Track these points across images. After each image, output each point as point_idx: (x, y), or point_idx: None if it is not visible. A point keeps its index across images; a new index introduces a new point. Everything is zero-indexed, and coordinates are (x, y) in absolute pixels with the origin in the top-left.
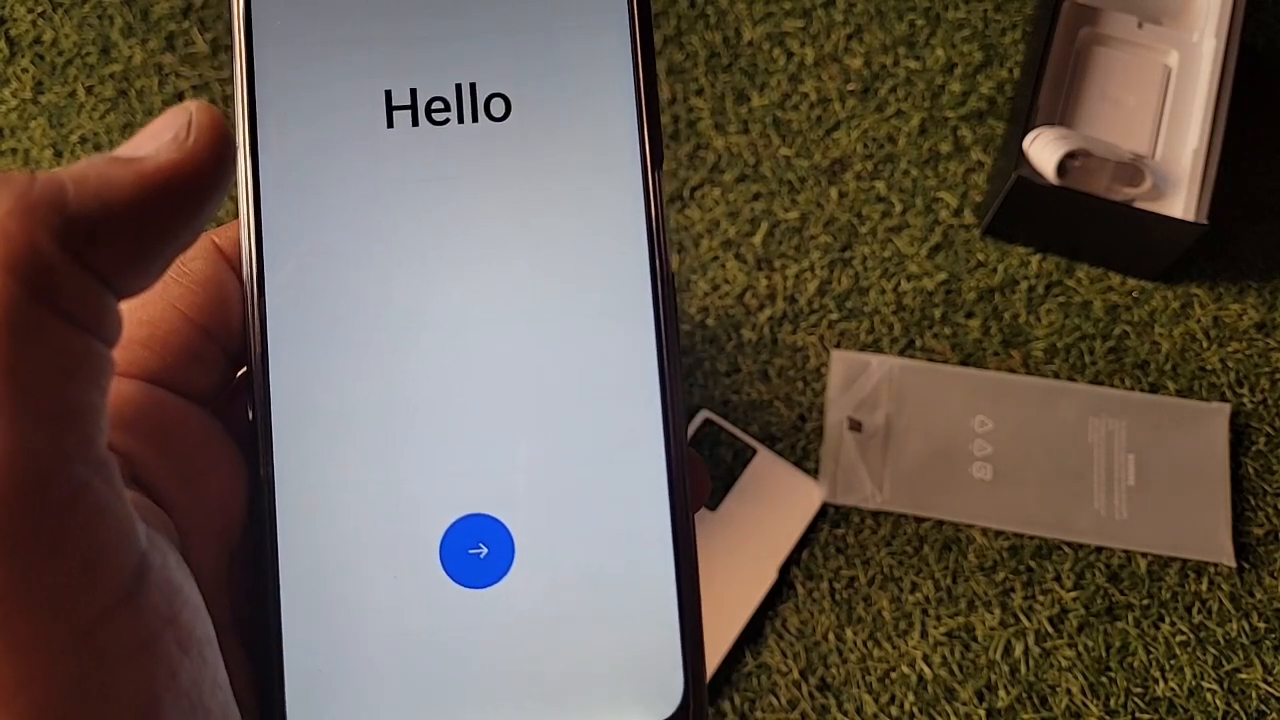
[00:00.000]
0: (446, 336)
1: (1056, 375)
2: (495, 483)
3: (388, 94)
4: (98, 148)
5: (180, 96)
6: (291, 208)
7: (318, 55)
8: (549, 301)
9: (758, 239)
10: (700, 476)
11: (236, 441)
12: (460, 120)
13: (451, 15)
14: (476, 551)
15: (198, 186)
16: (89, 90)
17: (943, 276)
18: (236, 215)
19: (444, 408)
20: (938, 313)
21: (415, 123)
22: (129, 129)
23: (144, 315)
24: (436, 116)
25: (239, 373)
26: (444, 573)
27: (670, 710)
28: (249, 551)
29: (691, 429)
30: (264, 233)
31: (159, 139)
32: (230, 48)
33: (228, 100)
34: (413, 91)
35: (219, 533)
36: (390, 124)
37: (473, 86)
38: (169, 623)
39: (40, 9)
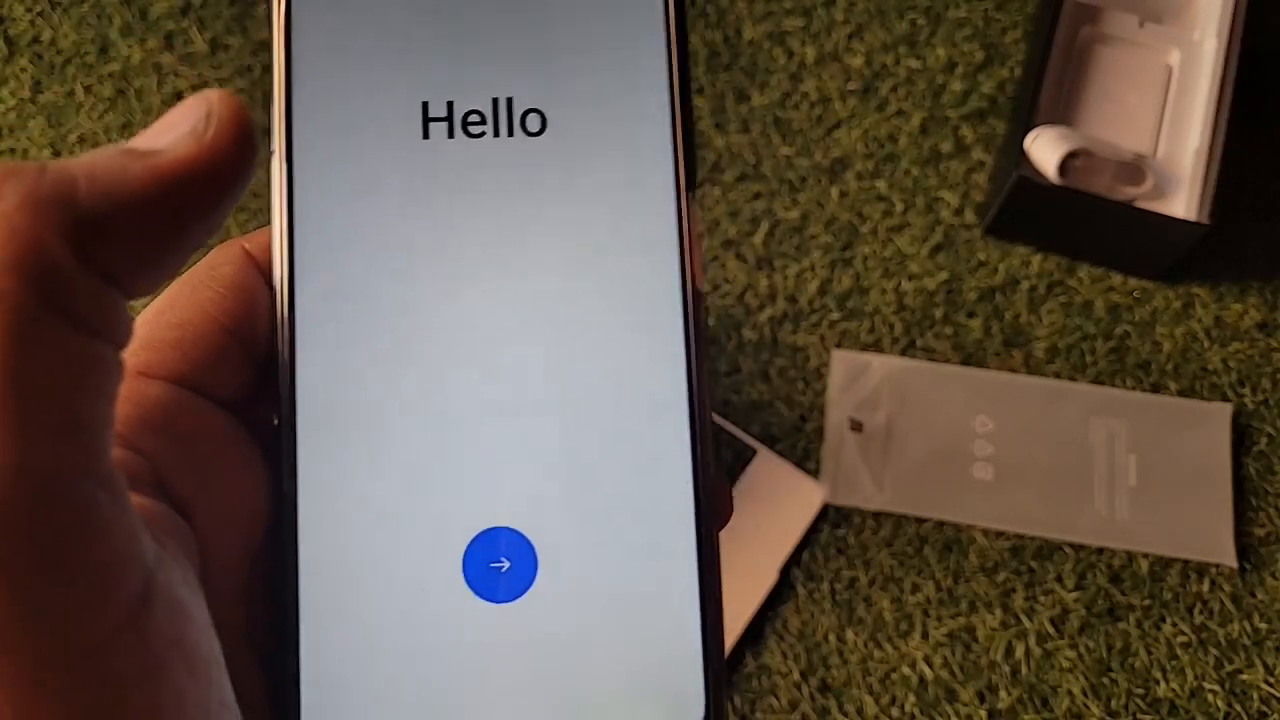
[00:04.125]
0: (474, 349)
1: (1058, 375)
2: (520, 496)
3: (424, 105)
4: (96, 147)
5: (179, 96)
6: (324, 215)
7: (356, 65)
8: (578, 316)
9: (758, 238)
10: (724, 497)
11: (260, 447)
12: (496, 134)
13: (490, 32)
14: (499, 565)
15: (215, 182)
16: (87, 89)
17: (944, 276)
18: (268, 221)
19: (470, 420)
20: (939, 312)
21: (451, 135)
22: (128, 128)
23: (174, 318)
24: (472, 129)
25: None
26: (466, 586)
27: None
28: (269, 558)
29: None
30: (296, 240)
31: (176, 130)
32: (269, 53)
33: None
34: (449, 104)
35: (240, 538)
36: (426, 135)
37: (509, 101)
38: (175, 644)
39: (39, 8)
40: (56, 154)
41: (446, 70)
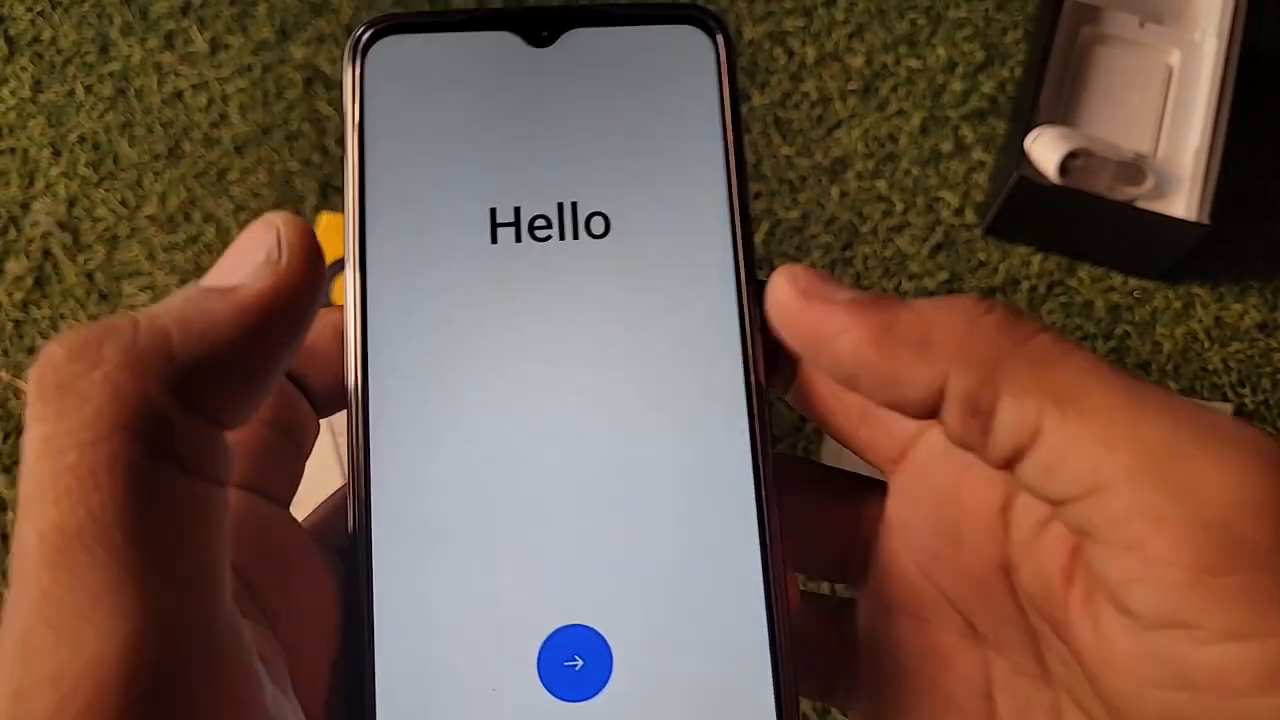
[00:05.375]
0: (545, 448)
1: None
2: (593, 593)
3: (492, 211)
4: (96, 147)
5: (179, 95)
6: (396, 320)
7: (426, 173)
8: (646, 414)
9: (758, 238)
10: (793, 587)
11: (326, 549)
12: (561, 237)
13: (554, 136)
14: (573, 664)
15: (296, 307)
16: (88, 89)
17: (944, 276)
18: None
19: (542, 519)
20: None
21: (518, 239)
22: (128, 128)
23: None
24: (539, 234)
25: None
26: (541, 685)
27: None
28: (346, 666)
29: None
30: (369, 344)
31: (250, 261)
32: (343, 162)
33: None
34: (516, 210)
35: (322, 647)
36: (494, 240)
37: (574, 205)
38: None
39: (39, 7)
40: (56, 153)
41: (513, 178)
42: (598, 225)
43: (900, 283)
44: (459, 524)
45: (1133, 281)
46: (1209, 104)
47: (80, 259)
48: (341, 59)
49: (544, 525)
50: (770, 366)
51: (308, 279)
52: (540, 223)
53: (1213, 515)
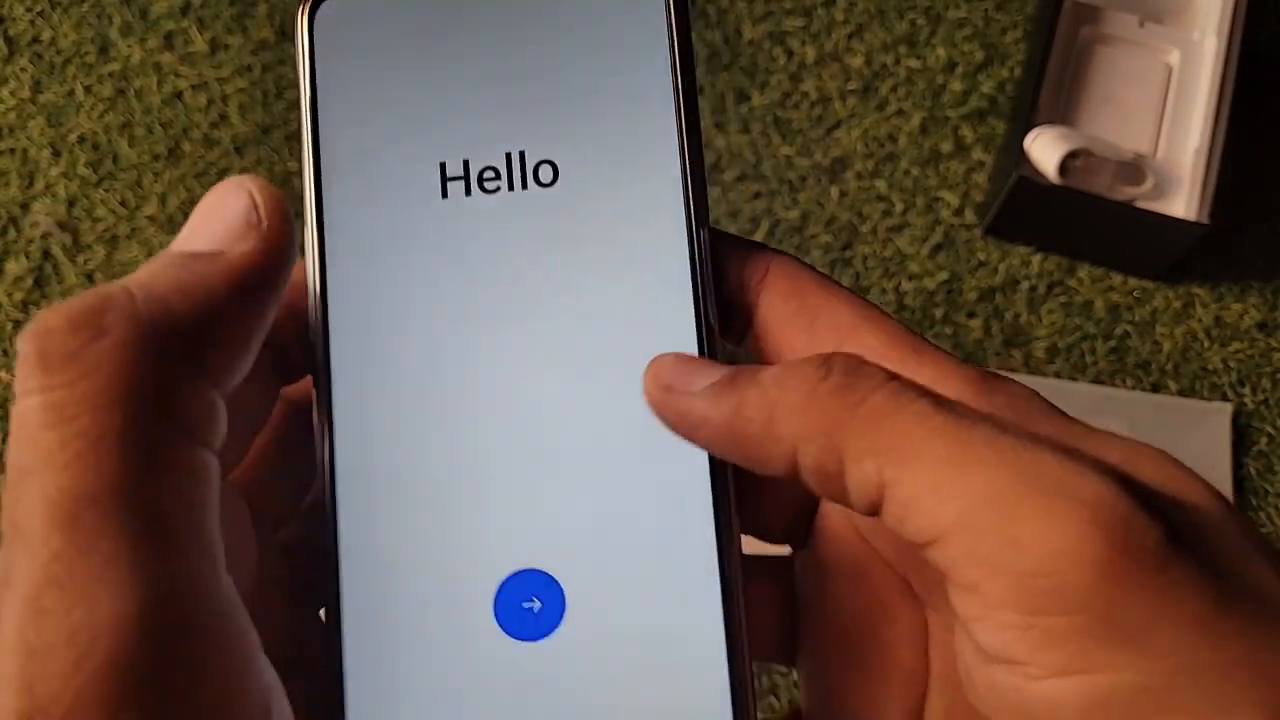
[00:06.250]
0: (501, 396)
1: (1058, 375)
2: (548, 538)
3: (442, 166)
4: (96, 147)
5: (179, 95)
6: (354, 276)
7: (378, 130)
8: (599, 360)
9: (758, 238)
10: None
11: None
12: (510, 188)
13: (501, 87)
14: (530, 605)
15: (280, 267)
16: (87, 89)
17: (944, 276)
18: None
19: (499, 467)
20: (939, 312)
21: (468, 192)
22: (127, 128)
23: None
24: (488, 185)
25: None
26: (497, 625)
27: None
28: (316, 605)
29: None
30: (328, 297)
31: (226, 224)
32: (298, 129)
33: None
34: (465, 163)
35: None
36: (445, 194)
37: (522, 155)
38: None
39: (38, 8)
40: (56, 154)
41: (460, 131)
42: (546, 174)
43: (900, 283)
44: (419, 473)
45: (1133, 281)
46: (1209, 104)
47: (80, 259)
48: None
49: (500, 474)
50: (724, 315)
51: (287, 240)
52: (489, 174)
53: (1036, 564)
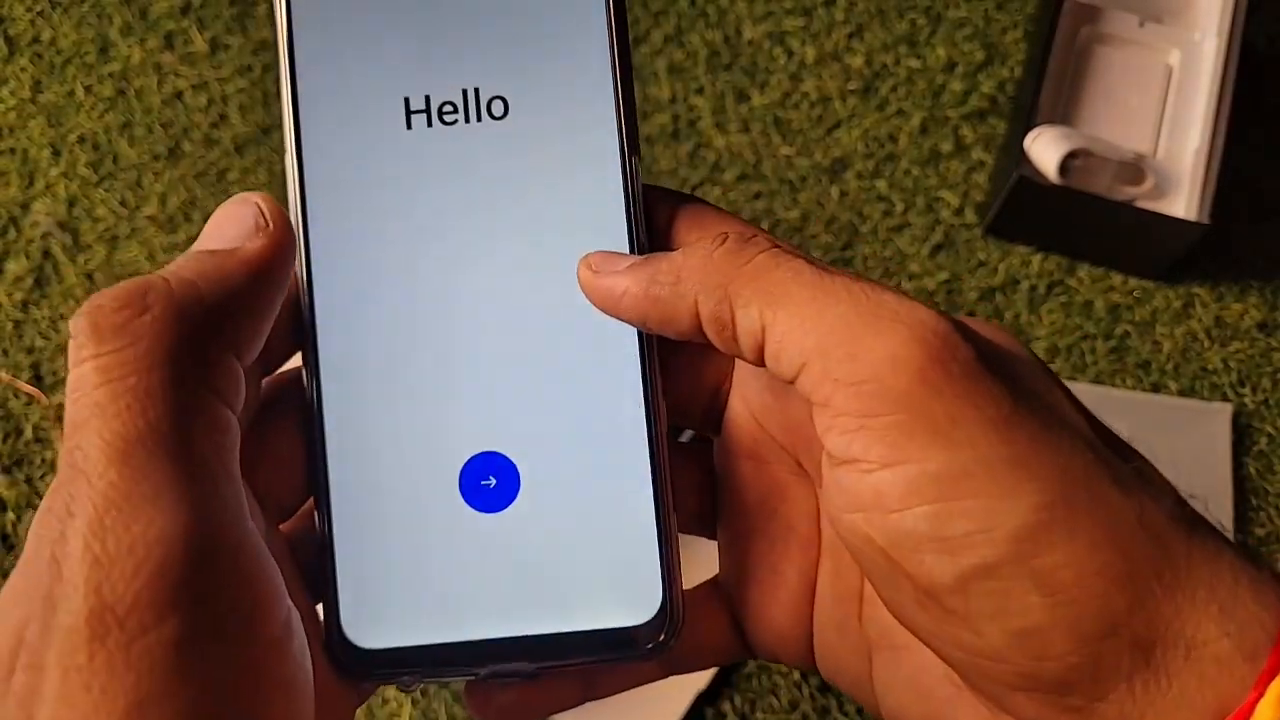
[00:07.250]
0: (462, 302)
1: (1058, 375)
2: (504, 425)
3: (406, 100)
4: (96, 147)
5: (179, 95)
6: (330, 197)
7: (347, 71)
8: (546, 268)
9: None
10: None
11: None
12: (467, 120)
13: (459, 29)
14: (488, 483)
15: (285, 260)
16: (87, 89)
17: (944, 276)
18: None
19: (462, 364)
20: None
21: (430, 124)
22: (128, 128)
23: None
24: (447, 118)
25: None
26: (461, 499)
27: (651, 613)
28: (310, 485)
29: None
30: (309, 215)
31: (239, 228)
32: (276, 70)
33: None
34: (426, 98)
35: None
36: (409, 126)
37: (476, 91)
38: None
39: (39, 8)
40: (56, 154)
41: (423, 69)
42: (498, 108)
43: (900, 283)
44: (393, 370)
45: (1132, 281)
46: (1209, 104)
47: (80, 259)
48: None
49: (464, 369)
50: (651, 226)
51: (289, 239)
52: (448, 108)
53: (868, 373)
